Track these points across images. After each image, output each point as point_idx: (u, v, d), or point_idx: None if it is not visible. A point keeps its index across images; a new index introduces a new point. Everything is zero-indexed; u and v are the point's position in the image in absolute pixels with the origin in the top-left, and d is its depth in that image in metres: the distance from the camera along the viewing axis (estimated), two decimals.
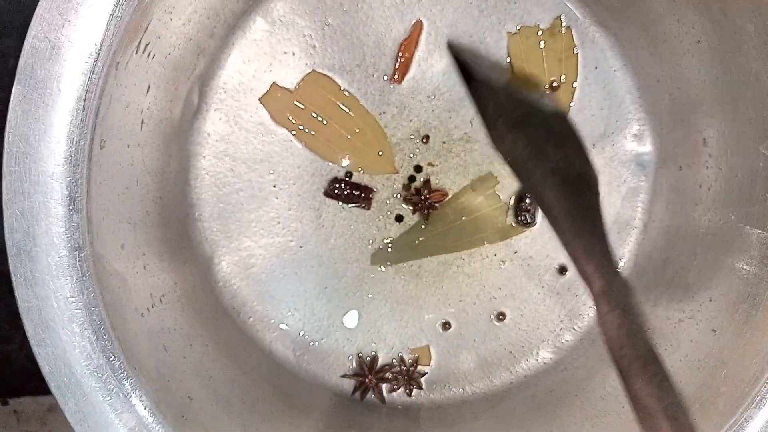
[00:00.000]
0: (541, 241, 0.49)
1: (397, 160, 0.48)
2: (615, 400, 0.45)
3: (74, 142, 0.32)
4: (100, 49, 0.32)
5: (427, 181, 0.48)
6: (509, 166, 0.43)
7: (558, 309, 0.49)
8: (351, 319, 0.49)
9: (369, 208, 0.48)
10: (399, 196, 0.48)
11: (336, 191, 0.47)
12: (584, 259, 0.35)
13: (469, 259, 0.49)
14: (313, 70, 0.47)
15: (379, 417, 0.48)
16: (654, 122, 0.48)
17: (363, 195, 0.47)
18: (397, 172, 0.48)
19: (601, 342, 0.48)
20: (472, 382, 0.50)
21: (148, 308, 0.39)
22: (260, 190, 0.47)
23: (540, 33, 0.47)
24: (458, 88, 0.47)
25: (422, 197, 0.47)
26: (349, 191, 0.47)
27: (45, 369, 0.34)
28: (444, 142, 0.48)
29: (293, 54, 0.46)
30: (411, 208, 0.48)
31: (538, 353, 0.50)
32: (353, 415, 0.48)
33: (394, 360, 0.49)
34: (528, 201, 0.48)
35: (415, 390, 0.49)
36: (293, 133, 0.47)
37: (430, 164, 0.48)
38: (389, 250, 0.48)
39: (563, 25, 0.47)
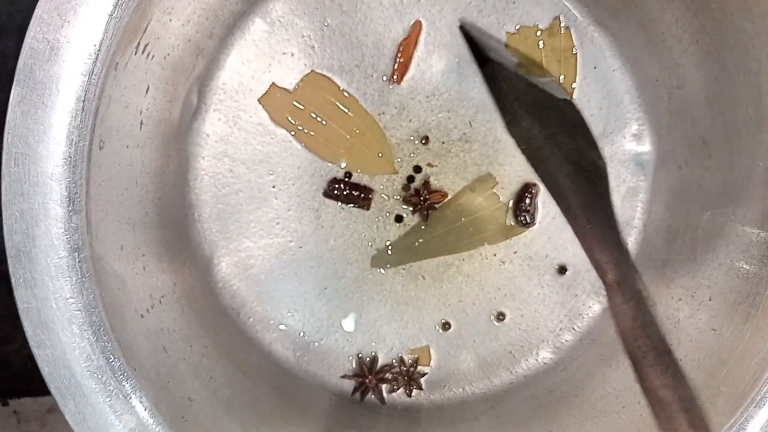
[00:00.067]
0: (540, 241, 0.49)
1: (396, 161, 0.48)
2: (615, 400, 0.45)
3: (73, 143, 0.32)
4: (99, 50, 0.32)
5: (426, 182, 0.48)
6: (523, 153, 0.43)
7: (558, 309, 0.49)
8: (349, 323, 0.49)
9: (368, 209, 0.48)
10: (398, 196, 0.48)
11: (335, 192, 0.47)
12: (598, 249, 0.35)
13: (468, 260, 0.49)
14: (312, 71, 0.47)
15: (379, 417, 0.48)
16: (653, 122, 0.48)
17: (362, 195, 0.47)
18: (397, 173, 0.48)
19: (601, 342, 0.48)
20: (472, 382, 0.50)
21: (147, 309, 0.39)
22: (259, 190, 0.47)
23: (539, 33, 0.47)
24: (457, 88, 0.47)
25: (422, 198, 0.47)
26: (348, 192, 0.47)
27: (45, 370, 0.34)
28: (443, 143, 0.48)
29: (292, 54, 0.46)
30: (410, 208, 0.48)
31: (537, 353, 0.50)
32: (353, 416, 0.48)
33: (393, 360, 0.49)
34: (527, 201, 0.48)
35: (415, 390, 0.49)
36: (292, 133, 0.47)
37: (429, 165, 0.48)
38: (389, 252, 0.48)
39: (562, 25, 0.47)
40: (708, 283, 0.43)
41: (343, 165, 0.47)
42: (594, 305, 0.49)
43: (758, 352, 0.39)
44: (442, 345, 0.49)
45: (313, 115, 0.47)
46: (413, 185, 0.48)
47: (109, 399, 0.34)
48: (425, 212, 0.48)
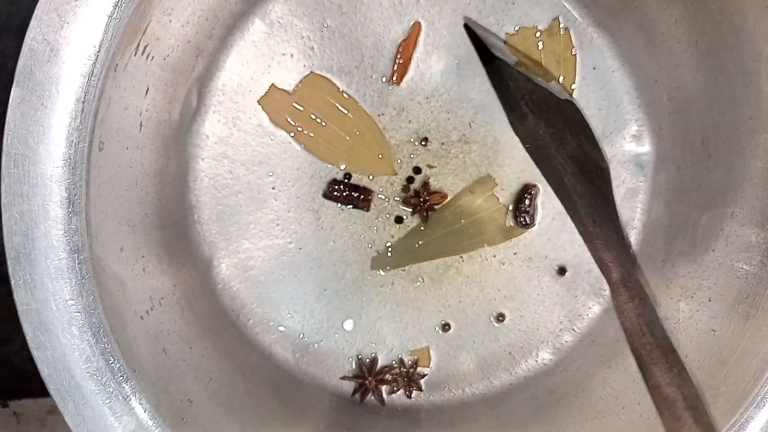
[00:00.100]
0: (540, 242, 0.49)
1: (395, 162, 0.48)
2: (615, 401, 0.45)
3: (73, 145, 0.32)
4: (98, 51, 0.32)
5: (426, 183, 0.48)
6: (528, 151, 0.43)
7: (557, 310, 0.49)
8: (349, 327, 0.49)
9: (368, 210, 0.48)
10: (398, 197, 0.48)
11: (335, 193, 0.47)
12: (602, 248, 0.35)
13: (468, 261, 0.49)
14: (311, 72, 0.47)
15: (379, 419, 0.48)
16: (652, 122, 0.48)
17: (362, 197, 0.47)
18: (396, 174, 0.48)
19: (601, 343, 0.48)
20: (472, 383, 0.50)
21: (147, 311, 0.39)
22: (259, 192, 0.47)
23: (538, 34, 0.47)
24: (457, 89, 0.47)
25: (421, 199, 0.47)
26: (348, 193, 0.47)
27: (44, 372, 0.34)
28: (443, 144, 0.48)
29: (291, 56, 0.46)
30: (410, 209, 0.48)
31: (537, 354, 0.50)
32: (353, 417, 0.48)
33: (393, 362, 0.49)
34: (527, 202, 0.48)
35: (414, 391, 0.49)
36: (292, 134, 0.47)
37: (429, 166, 0.48)
38: (389, 254, 0.48)
39: (561, 26, 0.47)
40: (708, 283, 0.43)
41: (343, 166, 0.47)
42: (594, 306, 0.49)
43: (758, 352, 0.39)
44: (442, 346, 0.49)
45: (313, 117, 0.47)
46: (413, 186, 0.48)
47: (109, 401, 0.34)
48: (425, 213, 0.48)
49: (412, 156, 0.48)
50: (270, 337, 0.48)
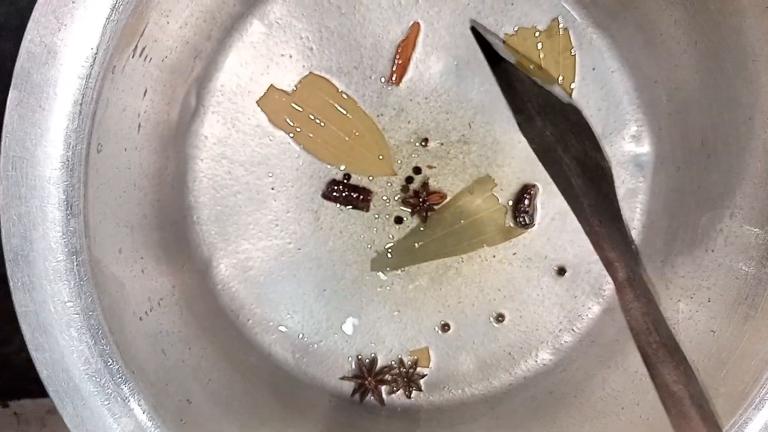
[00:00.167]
0: (539, 242, 0.49)
1: (395, 162, 0.48)
2: (614, 402, 0.45)
3: (71, 147, 0.32)
4: (96, 53, 0.32)
5: (425, 183, 0.48)
6: (535, 153, 0.43)
7: (557, 310, 0.49)
8: (349, 327, 0.49)
9: (367, 210, 0.48)
10: (397, 197, 0.48)
11: (334, 193, 0.47)
12: (608, 248, 0.36)
13: (467, 261, 0.49)
14: (310, 73, 0.47)
15: (379, 419, 0.48)
16: (652, 123, 0.48)
17: (361, 197, 0.47)
18: (396, 174, 0.48)
19: (600, 344, 0.48)
20: (471, 383, 0.50)
21: (146, 312, 0.39)
22: (258, 192, 0.47)
23: (537, 35, 0.47)
24: (456, 90, 0.47)
25: (420, 199, 0.47)
26: (347, 193, 0.47)
27: (43, 373, 0.34)
28: (442, 144, 0.48)
29: (290, 56, 0.46)
30: (409, 209, 0.48)
31: (537, 354, 0.50)
32: (352, 418, 0.48)
33: (393, 362, 0.49)
34: (526, 202, 0.48)
35: (414, 392, 0.49)
36: (291, 135, 0.47)
37: (428, 166, 0.48)
38: (388, 255, 0.48)
39: (560, 26, 0.47)
40: (707, 284, 0.43)
41: (342, 167, 0.47)
42: (593, 306, 0.49)
43: (757, 353, 0.39)
44: (442, 346, 0.49)
45: (312, 117, 0.47)
46: (412, 186, 0.48)
47: (108, 402, 0.34)
48: (424, 214, 0.48)
49: (411, 156, 0.48)
50: (269, 338, 0.49)
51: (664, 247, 0.47)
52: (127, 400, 0.35)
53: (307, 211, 0.48)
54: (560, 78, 0.47)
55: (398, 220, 0.48)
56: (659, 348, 0.32)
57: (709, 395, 0.39)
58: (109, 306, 0.35)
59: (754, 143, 0.40)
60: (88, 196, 0.34)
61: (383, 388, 0.49)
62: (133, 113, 0.38)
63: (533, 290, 0.49)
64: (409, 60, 0.47)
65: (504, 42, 0.47)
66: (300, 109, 0.47)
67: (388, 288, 0.49)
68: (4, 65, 0.48)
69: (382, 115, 0.47)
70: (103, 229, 0.36)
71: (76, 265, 0.33)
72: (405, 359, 0.49)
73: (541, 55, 0.47)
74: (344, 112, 0.47)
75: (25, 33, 0.31)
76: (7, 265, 0.32)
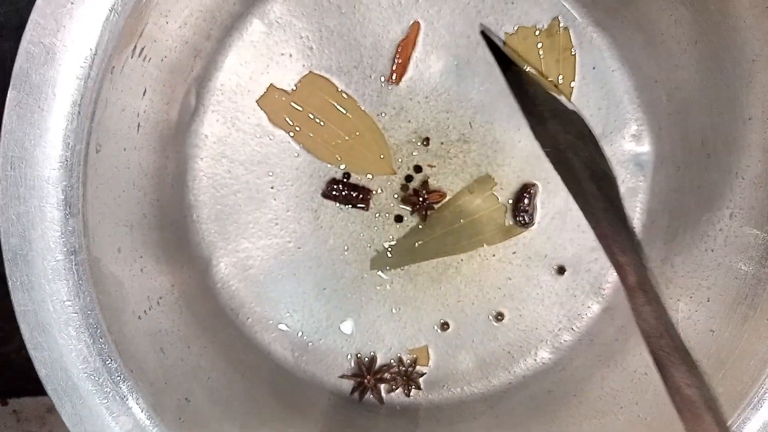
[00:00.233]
0: (539, 241, 0.49)
1: (395, 161, 0.48)
2: (613, 401, 0.45)
3: (70, 147, 0.32)
4: (95, 54, 0.32)
5: (425, 182, 0.48)
6: (547, 156, 0.43)
7: (556, 309, 0.49)
8: (348, 326, 0.49)
9: (367, 209, 0.48)
10: (397, 196, 0.48)
11: (334, 192, 0.47)
12: (619, 251, 0.36)
13: (467, 260, 0.49)
14: (310, 72, 0.47)
15: (378, 417, 0.48)
16: (652, 122, 0.48)
17: (361, 196, 0.47)
18: (395, 174, 0.48)
19: (599, 343, 0.48)
20: (471, 382, 0.50)
21: (145, 311, 0.39)
22: (258, 191, 0.47)
23: (538, 34, 0.47)
24: (456, 89, 0.47)
25: (420, 198, 0.47)
26: (347, 192, 0.47)
27: (42, 372, 0.34)
28: (442, 143, 0.48)
29: (290, 56, 0.46)
30: (409, 208, 0.48)
31: (536, 353, 0.50)
32: (352, 416, 0.48)
33: (392, 360, 0.49)
34: (526, 201, 0.48)
35: (413, 390, 0.49)
36: (291, 134, 0.47)
37: (428, 165, 0.48)
38: (388, 254, 0.48)
39: (561, 25, 0.47)
40: (707, 283, 0.43)
41: (342, 166, 0.47)
42: (593, 306, 0.49)
43: (756, 353, 0.39)
44: (441, 345, 0.49)
45: (312, 116, 0.47)
46: (412, 185, 0.48)
47: (106, 401, 0.35)
48: (424, 212, 0.48)
49: (411, 155, 0.48)
50: (269, 336, 0.49)
51: (663, 247, 0.47)
52: (125, 399, 0.35)
53: (307, 210, 0.48)
54: (560, 77, 0.47)
55: (398, 219, 0.48)
56: (672, 352, 0.32)
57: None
58: (107, 305, 0.35)
59: (754, 143, 0.40)
60: (87, 196, 0.34)
61: (382, 387, 0.49)
62: (133, 113, 0.38)
63: (533, 289, 0.49)
64: (409, 59, 0.47)
65: (504, 43, 0.47)
66: (300, 108, 0.47)
67: (387, 287, 0.49)
68: (3, 65, 0.48)
69: (382, 114, 0.47)
70: (102, 228, 0.36)
71: (75, 265, 0.33)
72: (404, 358, 0.49)
73: (542, 55, 0.47)
74: (344, 112, 0.47)
75: (24, 33, 0.31)
76: (6, 264, 0.33)
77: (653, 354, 0.33)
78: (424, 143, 0.48)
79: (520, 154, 0.48)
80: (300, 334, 0.49)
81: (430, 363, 0.49)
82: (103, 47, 0.32)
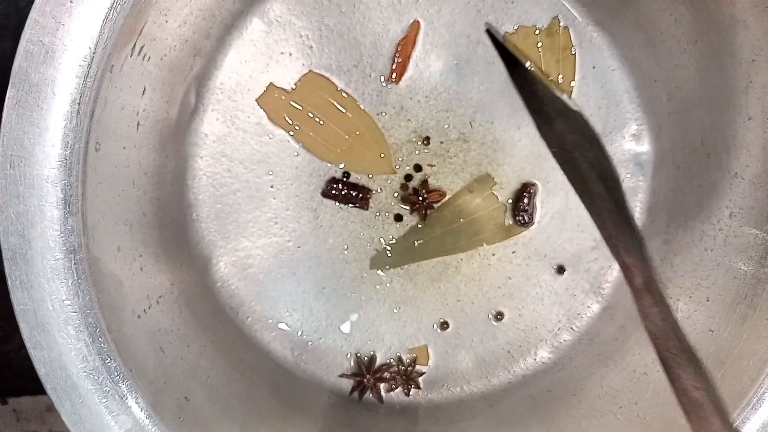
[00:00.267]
0: (539, 240, 0.49)
1: (394, 161, 0.48)
2: (612, 400, 0.45)
3: (69, 146, 0.32)
4: (94, 53, 0.32)
5: (425, 181, 0.48)
6: (554, 156, 0.43)
7: (556, 309, 0.49)
8: (348, 325, 0.49)
9: (367, 209, 0.48)
10: (397, 195, 0.48)
11: (333, 192, 0.47)
12: (625, 253, 0.36)
13: (467, 259, 0.49)
14: (310, 71, 0.47)
15: (377, 417, 0.48)
16: (652, 122, 0.48)
17: (360, 195, 0.47)
18: (395, 173, 0.48)
19: (599, 342, 0.48)
20: (470, 381, 0.50)
21: (144, 310, 0.39)
22: (258, 190, 0.47)
23: (537, 33, 0.47)
24: (456, 88, 0.47)
25: (420, 197, 0.47)
26: (346, 191, 0.47)
27: (41, 371, 0.34)
28: (442, 143, 0.48)
29: (290, 54, 0.46)
30: (408, 207, 0.48)
31: (536, 353, 0.50)
32: (351, 415, 0.48)
33: (392, 360, 0.49)
34: (526, 201, 0.48)
35: (413, 390, 0.49)
36: (290, 133, 0.47)
37: (428, 165, 0.48)
38: (388, 253, 0.48)
39: (561, 25, 0.47)
40: (706, 283, 0.43)
41: (342, 165, 0.47)
42: (592, 305, 0.49)
43: (755, 353, 0.39)
44: (441, 344, 0.49)
45: (311, 115, 0.47)
46: (411, 184, 0.48)
47: (105, 400, 0.35)
48: (423, 212, 0.48)
49: (411, 155, 0.48)
50: (269, 335, 0.49)
51: (663, 246, 0.47)
52: (124, 398, 0.35)
53: (307, 209, 0.48)
54: (560, 77, 0.47)
55: (398, 218, 0.48)
56: (679, 353, 0.32)
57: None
58: (107, 304, 0.35)
59: (754, 143, 0.40)
60: (86, 195, 0.34)
61: (382, 386, 0.49)
62: (132, 112, 0.38)
63: (532, 289, 0.49)
64: (408, 58, 0.47)
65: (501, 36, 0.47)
66: (299, 107, 0.47)
67: (387, 286, 0.49)
68: (3, 63, 0.48)
69: (381, 113, 0.47)
70: (102, 227, 0.36)
71: (74, 264, 0.33)
72: (404, 357, 0.49)
73: (541, 54, 0.47)
74: (344, 111, 0.47)
75: (23, 32, 0.31)
76: (6, 263, 0.33)
77: (660, 356, 0.33)
78: (424, 143, 0.48)
79: (520, 154, 0.48)
80: (299, 333, 0.49)
81: (430, 362, 0.49)
82: (103, 46, 0.32)
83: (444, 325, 0.49)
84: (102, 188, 0.36)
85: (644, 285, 0.35)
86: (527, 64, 0.47)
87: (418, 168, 0.48)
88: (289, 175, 0.47)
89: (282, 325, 0.49)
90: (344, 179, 0.47)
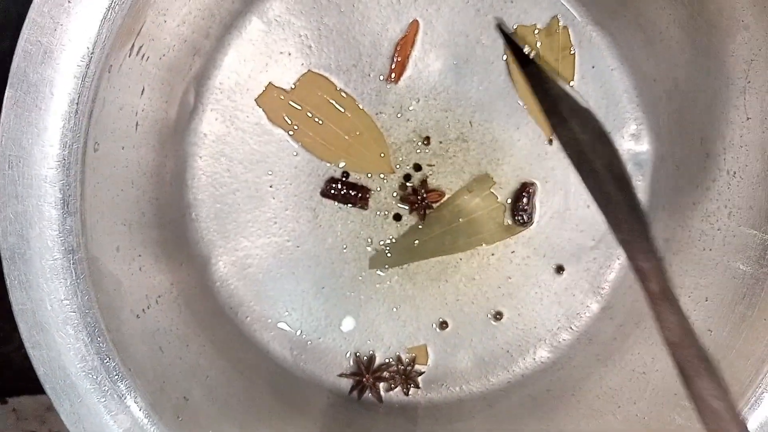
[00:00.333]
0: (538, 240, 0.49)
1: (394, 160, 0.48)
2: (611, 400, 0.45)
3: (67, 146, 0.32)
4: (92, 53, 0.32)
5: (424, 181, 0.48)
6: (570, 158, 0.43)
7: (555, 308, 0.49)
8: (347, 325, 0.49)
9: (366, 208, 0.48)
10: (396, 195, 0.48)
11: (332, 191, 0.47)
12: (642, 258, 0.35)
13: (466, 259, 0.49)
14: (309, 70, 0.47)
15: (377, 416, 0.48)
16: (651, 121, 0.48)
17: (359, 195, 0.47)
18: (394, 173, 0.48)
19: (598, 342, 0.48)
20: (470, 381, 0.50)
21: (143, 309, 0.39)
22: (257, 190, 0.47)
23: (537, 33, 0.47)
24: (455, 88, 0.47)
25: (419, 197, 0.47)
26: (345, 191, 0.47)
27: (40, 371, 0.34)
28: (441, 142, 0.48)
29: (289, 54, 0.46)
30: (407, 207, 0.48)
31: (535, 352, 0.50)
32: (350, 415, 0.48)
33: (391, 359, 0.49)
34: (525, 200, 0.48)
35: (412, 389, 0.49)
36: (290, 133, 0.47)
37: (428, 165, 0.48)
38: (387, 253, 0.48)
39: (560, 24, 0.47)
40: (705, 283, 0.43)
41: (341, 165, 0.47)
42: (592, 305, 0.49)
43: (753, 353, 0.39)
44: (440, 344, 0.49)
45: (310, 115, 0.47)
46: (410, 184, 0.48)
47: (104, 399, 0.35)
48: (422, 211, 0.48)
49: (410, 155, 0.48)
50: (268, 335, 0.49)
51: (662, 245, 0.47)
52: (123, 398, 0.35)
53: (306, 208, 0.48)
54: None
55: (397, 218, 0.48)
56: (699, 363, 0.32)
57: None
58: (106, 304, 0.35)
59: (753, 143, 0.40)
60: (85, 195, 0.34)
61: (381, 386, 0.49)
62: (131, 111, 0.38)
63: (531, 288, 0.49)
64: (407, 58, 0.47)
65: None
66: (299, 107, 0.47)
67: (386, 285, 0.49)
68: (1, 63, 0.48)
69: (381, 113, 0.47)
70: (101, 227, 0.36)
71: (73, 264, 0.33)
72: (403, 356, 0.49)
73: (541, 53, 0.47)
74: (343, 110, 0.47)
75: (22, 32, 0.31)
76: (4, 263, 0.33)
77: (679, 365, 0.32)
78: (424, 142, 0.48)
79: (519, 153, 0.48)
80: (299, 332, 0.49)
81: (429, 362, 0.49)
82: (101, 46, 0.32)
83: (443, 325, 0.49)
84: (101, 188, 0.36)
85: (662, 292, 0.34)
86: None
87: (417, 167, 0.48)
88: (288, 174, 0.47)
89: (281, 325, 0.49)
90: (343, 179, 0.47)
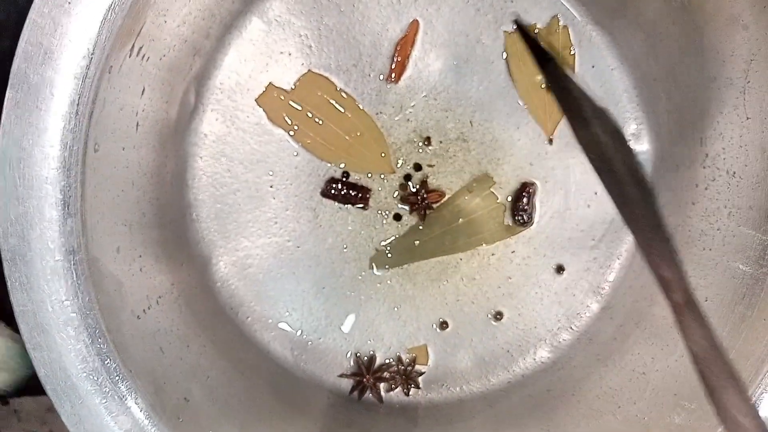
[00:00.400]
0: (538, 240, 0.49)
1: (394, 160, 0.48)
2: (611, 400, 0.45)
3: (68, 147, 0.32)
4: (92, 53, 0.32)
5: (424, 181, 0.48)
6: (591, 162, 0.43)
7: (555, 308, 0.49)
8: (348, 324, 0.49)
9: (366, 208, 0.48)
10: (396, 195, 0.48)
11: (333, 191, 0.47)
12: (665, 266, 0.35)
13: (466, 259, 0.49)
14: (309, 71, 0.47)
15: (377, 416, 0.48)
16: (651, 121, 0.48)
17: (360, 195, 0.47)
18: (395, 173, 0.48)
19: (598, 342, 0.48)
20: (470, 381, 0.50)
21: (144, 310, 0.39)
22: (257, 190, 0.47)
23: (537, 32, 0.47)
24: (455, 87, 0.47)
25: (419, 197, 0.47)
26: (346, 191, 0.47)
27: (41, 372, 0.34)
28: (441, 142, 0.48)
29: (289, 54, 0.46)
30: (408, 207, 0.48)
31: (535, 352, 0.50)
32: (351, 415, 0.48)
33: (391, 359, 0.49)
34: (525, 200, 0.48)
35: (412, 389, 0.49)
36: (290, 133, 0.47)
37: (428, 165, 0.48)
38: (387, 253, 0.48)
39: (560, 24, 0.47)
40: (704, 282, 0.43)
41: (342, 165, 0.47)
42: (592, 305, 0.49)
43: (753, 353, 0.39)
44: (440, 344, 0.49)
45: (310, 115, 0.47)
46: (411, 184, 0.48)
47: (105, 400, 0.35)
48: (423, 212, 0.48)
49: (410, 154, 0.48)
50: (268, 335, 0.49)
51: None
52: (124, 399, 0.35)
53: (306, 209, 0.48)
54: None
55: (397, 217, 0.48)
56: (726, 377, 0.31)
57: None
58: (106, 304, 0.35)
59: (753, 143, 0.40)
60: (85, 196, 0.34)
61: (381, 386, 0.49)
62: (131, 112, 0.38)
63: (532, 288, 0.49)
64: (408, 58, 0.47)
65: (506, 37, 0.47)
66: (299, 107, 0.47)
67: (386, 285, 0.49)
68: (2, 65, 0.48)
69: (381, 113, 0.47)
70: (101, 228, 0.36)
71: (74, 264, 0.33)
72: (403, 357, 0.49)
73: None
74: (343, 110, 0.47)
75: (22, 33, 0.31)
76: (5, 264, 0.33)
77: (705, 379, 0.32)
78: (424, 142, 0.48)
79: (519, 153, 0.48)
80: (299, 332, 0.49)
81: (429, 362, 0.50)
82: (101, 46, 0.32)
83: (443, 325, 0.49)
84: (101, 189, 0.36)
85: (686, 302, 0.33)
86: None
87: (417, 167, 0.48)
88: (289, 174, 0.47)
89: (282, 325, 0.49)
90: (344, 179, 0.47)
